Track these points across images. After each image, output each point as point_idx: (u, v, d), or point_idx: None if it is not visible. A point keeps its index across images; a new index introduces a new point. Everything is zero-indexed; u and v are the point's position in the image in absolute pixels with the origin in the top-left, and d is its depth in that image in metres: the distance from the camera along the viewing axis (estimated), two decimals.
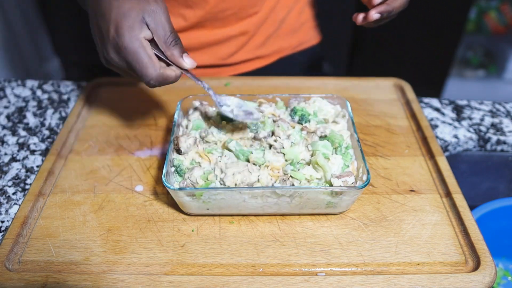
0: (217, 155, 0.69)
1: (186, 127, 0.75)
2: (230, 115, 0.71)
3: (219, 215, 0.68)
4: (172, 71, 0.65)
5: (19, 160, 0.81)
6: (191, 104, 0.79)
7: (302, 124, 0.75)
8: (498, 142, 0.90)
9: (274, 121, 0.76)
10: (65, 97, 0.98)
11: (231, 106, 0.73)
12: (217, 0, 0.90)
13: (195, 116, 0.76)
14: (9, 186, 0.76)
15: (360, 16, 0.75)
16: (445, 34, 2.12)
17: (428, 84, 2.27)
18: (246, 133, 0.73)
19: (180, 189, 0.62)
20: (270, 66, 1.07)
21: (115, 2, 0.61)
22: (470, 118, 0.94)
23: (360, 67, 2.35)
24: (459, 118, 0.94)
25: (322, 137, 0.72)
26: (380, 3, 0.74)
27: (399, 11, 0.77)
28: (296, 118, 0.76)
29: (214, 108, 0.79)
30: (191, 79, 0.69)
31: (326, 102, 0.79)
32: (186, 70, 0.67)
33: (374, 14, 0.72)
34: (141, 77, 0.63)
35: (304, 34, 1.11)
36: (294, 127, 0.74)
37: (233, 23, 0.97)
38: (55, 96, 0.99)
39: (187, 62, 0.65)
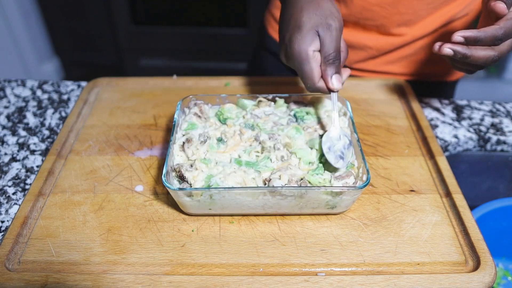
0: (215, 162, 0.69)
1: (180, 127, 0.75)
2: (341, 165, 0.67)
3: (219, 215, 0.68)
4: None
5: (19, 160, 0.81)
6: (188, 104, 0.79)
7: (301, 124, 0.75)
8: (498, 142, 0.90)
9: (274, 123, 0.76)
10: (65, 97, 0.98)
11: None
12: (362, 7, 0.90)
13: (190, 116, 0.76)
14: (9, 186, 0.76)
15: (437, 45, 0.68)
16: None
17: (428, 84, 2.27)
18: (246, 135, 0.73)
19: (180, 189, 0.62)
20: None
21: (296, 13, 0.68)
22: (470, 118, 0.94)
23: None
24: (459, 118, 0.94)
25: (322, 136, 0.72)
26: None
27: (498, 58, 0.68)
28: (295, 119, 0.77)
29: (211, 108, 0.79)
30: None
31: (327, 99, 0.79)
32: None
33: (456, 36, 0.65)
34: (303, 82, 0.70)
35: (442, 67, 1.05)
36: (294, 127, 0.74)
37: (373, 33, 0.96)
38: (55, 96, 0.99)
39: (334, 83, 0.69)
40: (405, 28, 0.95)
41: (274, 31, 1.08)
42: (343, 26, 0.68)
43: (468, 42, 0.66)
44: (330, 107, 0.79)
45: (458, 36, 0.65)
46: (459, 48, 0.66)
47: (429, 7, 0.91)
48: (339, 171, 0.67)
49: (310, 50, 0.66)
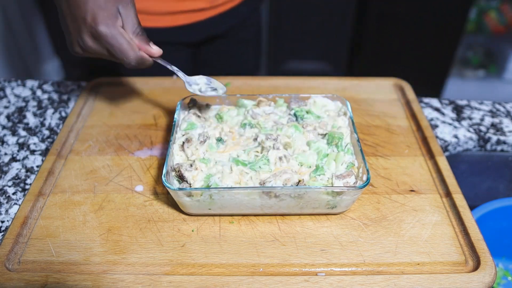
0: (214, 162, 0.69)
1: (180, 127, 0.75)
2: (198, 93, 0.75)
3: (219, 215, 0.68)
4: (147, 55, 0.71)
5: (19, 160, 0.81)
6: (187, 104, 0.79)
7: (300, 123, 0.75)
8: (498, 142, 0.90)
9: (274, 122, 0.76)
10: (65, 97, 0.98)
11: (200, 84, 0.76)
12: None
13: (190, 116, 0.76)
14: (9, 186, 0.76)
15: None
16: (445, 34, 2.12)
17: (428, 84, 2.27)
18: (245, 134, 0.73)
19: (180, 189, 0.62)
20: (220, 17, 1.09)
21: None
22: (470, 118, 0.94)
23: (360, 67, 2.35)
24: (459, 118, 0.94)
25: (322, 134, 0.73)
26: None
27: None
28: (295, 118, 0.77)
29: (211, 108, 0.79)
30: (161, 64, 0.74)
31: (327, 99, 0.79)
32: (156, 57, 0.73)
33: None
34: (122, 60, 0.69)
35: None
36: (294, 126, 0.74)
37: None
38: (55, 96, 0.99)
39: (154, 49, 0.72)
40: None
41: None
42: (134, 2, 0.71)
43: None
44: (330, 107, 0.80)
45: None
46: None
47: None
48: (340, 171, 0.67)
49: (118, 25, 0.67)
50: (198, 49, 1.17)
